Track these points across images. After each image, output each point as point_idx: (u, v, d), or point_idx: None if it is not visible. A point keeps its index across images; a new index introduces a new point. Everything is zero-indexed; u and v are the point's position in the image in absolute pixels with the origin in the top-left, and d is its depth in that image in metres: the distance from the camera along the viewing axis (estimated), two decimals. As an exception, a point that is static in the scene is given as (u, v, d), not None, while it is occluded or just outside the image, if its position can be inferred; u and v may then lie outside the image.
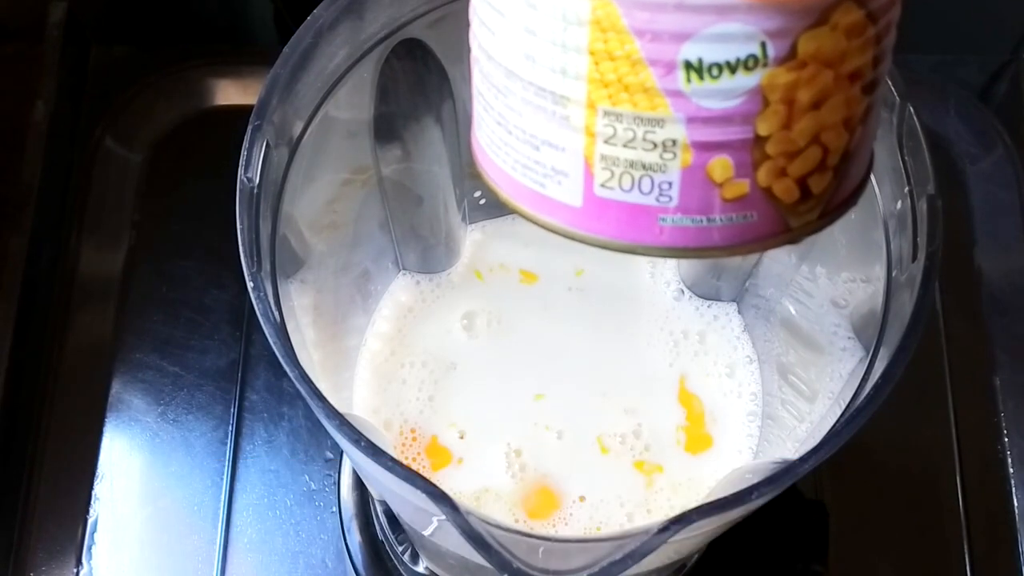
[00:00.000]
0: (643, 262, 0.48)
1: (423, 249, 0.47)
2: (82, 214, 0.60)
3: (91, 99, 0.62)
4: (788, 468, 0.29)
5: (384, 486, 0.34)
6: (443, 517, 0.28)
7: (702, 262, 0.46)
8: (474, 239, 0.49)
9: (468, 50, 0.27)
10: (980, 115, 0.61)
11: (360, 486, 0.52)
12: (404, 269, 0.48)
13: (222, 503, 0.53)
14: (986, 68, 0.64)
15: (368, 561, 0.51)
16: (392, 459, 0.28)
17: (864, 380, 0.33)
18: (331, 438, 0.53)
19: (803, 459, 0.29)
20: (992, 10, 0.62)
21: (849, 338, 0.37)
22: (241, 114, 0.32)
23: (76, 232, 0.59)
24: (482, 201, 0.48)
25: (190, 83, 0.63)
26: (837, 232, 0.39)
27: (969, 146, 0.61)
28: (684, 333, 0.47)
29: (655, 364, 0.46)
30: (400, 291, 0.48)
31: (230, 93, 0.63)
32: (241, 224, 0.31)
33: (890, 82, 0.32)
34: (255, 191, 0.32)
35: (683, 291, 0.48)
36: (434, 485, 0.28)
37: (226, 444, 0.54)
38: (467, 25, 0.27)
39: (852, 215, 0.37)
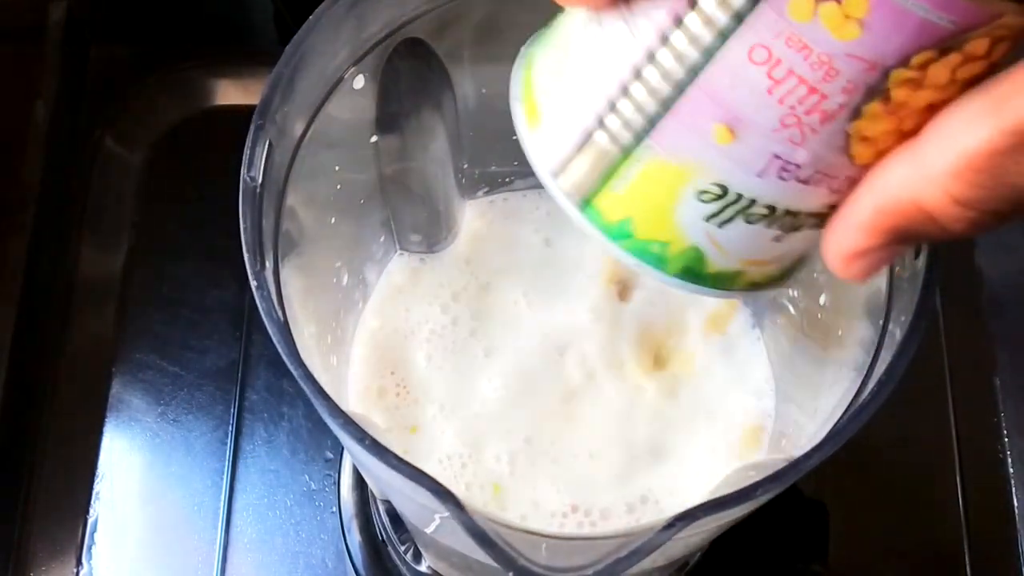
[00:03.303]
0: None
1: (423, 245, 0.46)
2: (82, 214, 0.60)
3: (91, 99, 0.62)
4: (791, 465, 0.29)
5: (387, 484, 0.34)
6: (447, 514, 0.28)
7: None
8: (475, 228, 0.48)
9: None
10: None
11: (360, 486, 0.52)
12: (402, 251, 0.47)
13: (222, 503, 0.53)
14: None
15: (368, 561, 0.51)
16: (397, 457, 0.28)
17: (865, 380, 0.33)
18: (331, 438, 0.53)
19: (805, 457, 0.29)
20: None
21: (850, 337, 0.37)
22: (241, 114, 0.32)
23: (76, 232, 0.59)
24: (486, 200, 0.48)
25: (190, 83, 0.63)
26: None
27: (969, 146, 0.61)
28: (686, 327, 0.46)
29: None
30: (397, 271, 0.47)
31: (230, 93, 0.63)
32: (244, 223, 0.31)
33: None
34: (258, 190, 0.32)
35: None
36: (439, 483, 0.28)
37: (226, 444, 0.54)
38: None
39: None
